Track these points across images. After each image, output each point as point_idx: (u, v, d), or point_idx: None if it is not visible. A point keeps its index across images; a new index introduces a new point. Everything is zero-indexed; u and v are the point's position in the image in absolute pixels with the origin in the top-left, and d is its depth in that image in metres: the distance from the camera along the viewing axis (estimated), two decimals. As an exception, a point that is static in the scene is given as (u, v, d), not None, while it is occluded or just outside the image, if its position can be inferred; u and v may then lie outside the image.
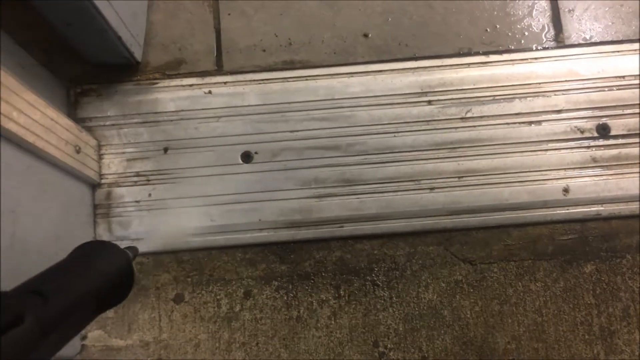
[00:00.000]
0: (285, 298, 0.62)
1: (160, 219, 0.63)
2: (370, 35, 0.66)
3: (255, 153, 0.64)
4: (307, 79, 0.65)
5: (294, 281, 0.62)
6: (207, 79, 0.65)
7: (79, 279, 0.35)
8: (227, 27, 0.67)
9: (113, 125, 0.64)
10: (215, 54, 0.66)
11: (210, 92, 0.65)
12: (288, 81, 0.65)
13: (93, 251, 0.39)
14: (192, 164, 0.63)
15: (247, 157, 0.64)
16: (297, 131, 0.64)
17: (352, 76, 0.65)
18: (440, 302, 0.62)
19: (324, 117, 0.64)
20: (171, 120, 0.64)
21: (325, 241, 0.63)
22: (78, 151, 0.57)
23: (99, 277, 0.37)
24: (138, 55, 0.63)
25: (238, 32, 0.67)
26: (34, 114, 0.46)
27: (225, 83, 0.65)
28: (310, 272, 0.63)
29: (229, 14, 0.67)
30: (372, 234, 0.63)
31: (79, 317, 0.34)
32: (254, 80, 0.65)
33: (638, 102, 0.63)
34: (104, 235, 0.62)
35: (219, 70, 0.66)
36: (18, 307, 0.28)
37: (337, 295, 0.62)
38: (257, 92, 0.65)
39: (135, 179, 0.63)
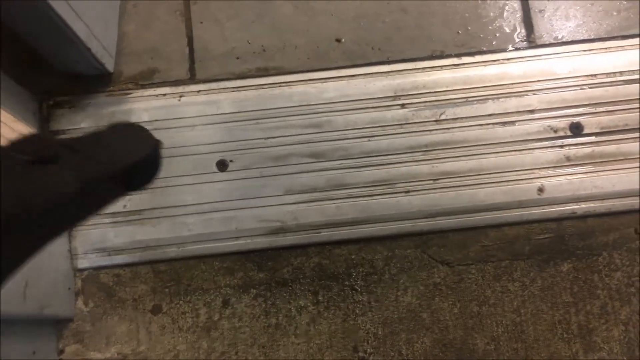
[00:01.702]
0: (263, 306, 0.64)
1: (136, 230, 0.64)
2: (343, 40, 0.68)
3: (231, 161, 0.66)
4: (281, 86, 0.67)
5: (272, 288, 0.64)
6: (181, 88, 0.67)
7: (110, 148, 0.36)
8: (200, 35, 0.69)
9: (87, 136, 0.65)
10: (188, 63, 0.68)
11: (184, 101, 0.66)
12: (262, 88, 0.67)
13: (125, 129, 0.41)
14: (167, 174, 0.65)
15: (222, 166, 0.66)
16: (273, 138, 0.66)
17: (327, 81, 0.67)
18: (419, 305, 0.64)
19: (299, 124, 0.66)
20: (145, 130, 0.65)
21: (303, 247, 0.65)
22: (49, 164, 0.58)
23: (129, 152, 0.38)
24: (110, 65, 0.65)
25: (211, 40, 0.68)
26: (2, 130, 0.48)
27: (199, 91, 0.67)
28: (289, 278, 0.64)
29: (202, 22, 0.69)
30: (349, 238, 0.65)
31: (108, 185, 0.34)
32: (228, 88, 0.67)
33: (610, 100, 0.65)
34: (79, 248, 0.64)
35: (193, 78, 0.67)
36: (51, 150, 0.28)
37: (315, 301, 0.64)
38: (231, 99, 0.67)
39: (110, 190, 0.64)
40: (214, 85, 0.67)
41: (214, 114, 0.66)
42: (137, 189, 0.38)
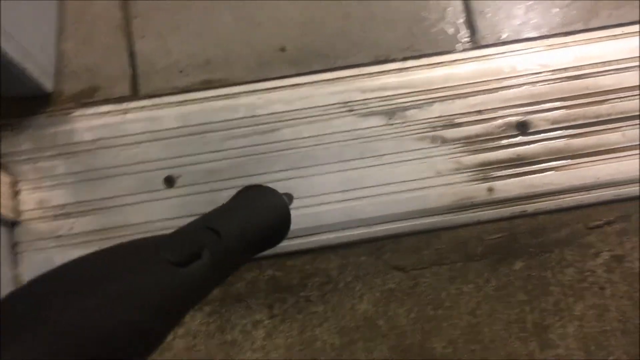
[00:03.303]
0: (218, 322, 0.65)
1: (84, 252, 0.65)
2: (287, 48, 0.70)
3: (179, 177, 0.67)
4: (226, 98, 0.69)
5: (226, 304, 0.65)
6: (124, 105, 0.68)
7: (247, 220, 0.39)
8: (142, 50, 0.70)
9: (28, 159, 0.66)
10: (131, 79, 0.69)
11: (128, 118, 0.67)
12: (207, 101, 0.68)
13: (257, 195, 0.44)
14: (112, 193, 0.66)
15: (170, 182, 0.67)
16: (220, 151, 0.67)
17: (272, 91, 0.69)
18: (376, 312, 0.65)
19: (246, 135, 0.68)
20: (89, 150, 0.67)
21: (256, 261, 0.66)
22: (-14, 191, 0.59)
23: (264, 219, 0.41)
24: (49, 85, 0.66)
25: (153, 54, 0.70)
26: None
27: (142, 107, 0.68)
28: (243, 293, 0.66)
29: (143, 37, 0.70)
30: (302, 249, 0.66)
31: (244, 256, 0.37)
32: (172, 103, 0.68)
33: (555, 97, 0.68)
34: (24, 274, 0.64)
35: (136, 94, 0.69)
36: (197, 242, 0.31)
37: (271, 314, 0.65)
38: (176, 114, 0.68)
39: (55, 213, 0.65)
40: (158, 100, 0.68)
41: (159, 130, 0.67)
42: (269, 249, 0.42)
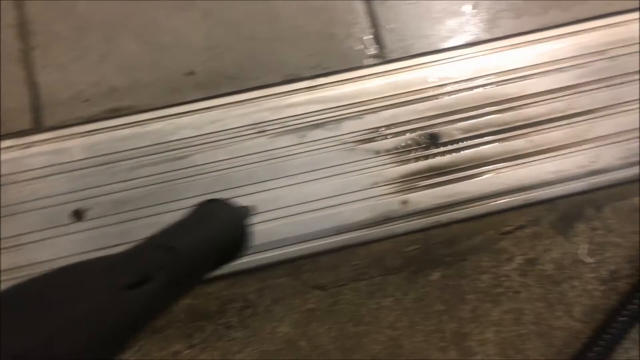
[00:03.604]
0: (136, 356, 0.71)
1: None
2: (195, 72, 0.77)
3: (87, 210, 0.73)
4: (134, 125, 0.75)
5: (144, 337, 0.71)
6: (27, 139, 0.74)
7: (205, 235, 0.41)
8: (44, 81, 0.76)
9: None
10: (33, 111, 0.75)
11: (31, 152, 0.73)
12: (114, 130, 0.75)
13: (215, 208, 0.47)
14: (17, 231, 0.71)
15: (78, 215, 0.73)
16: (129, 180, 0.74)
17: (181, 116, 0.76)
18: (296, 333, 0.73)
19: (156, 162, 0.74)
20: (-10, 188, 0.72)
21: None
22: None
23: (222, 234, 0.44)
24: (-56, 124, 0.71)
25: (56, 85, 0.76)
26: None
27: (46, 140, 0.74)
28: (160, 324, 0.72)
29: (45, 67, 0.76)
30: (219, 275, 0.73)
31: (202, 271, 0.40)
32: (78, 134, 0.75)
33: (462, 107, 0.77)
34: None
35: (39, 127, 0.75)
36: (150, 262, 0.33)
37: (190, 344, 0.71)
38: (82, 145, 0.74)
39: (-44, 255, 0.70)
40: (62, 132, 0.75)
41: (64, 162, 0.73)
42: (228, 263, 0.46)
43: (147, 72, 0.76)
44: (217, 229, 0.45)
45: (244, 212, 0.50)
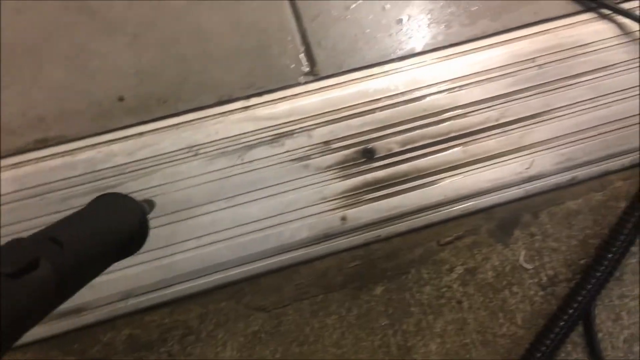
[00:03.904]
0: (75, 392, 0.77)
1: None
2: (126, 97, 0.85)
3: (18, 243, 0.79)
4: (64, 155, 0.82)
5: (82, 372, 0.78)
6: (-48, 174, 0.80)
7: (96, 227, 0.44)
8: (-32, 114, 0.83)
9: None
10: (-43, 146, 0.81)
11: (-44, 187, 0.80)
12: (43, 160, 0.82)
13: (110, 202, 0.50)
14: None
15: (8, 250, 0.79)
16: (61, 212, 0.81)
17: (113, 143, 0.83)
18: (240, 357, 0.80)
19: (88, 192, 0.81)
20: None
21: (111, 321, 0.80)
22: None
23: (116, 227, 0.47)
24: None
25: (-19, 117, 0.82)
26: None
27: (-28, 175, 0.80)
28: (100, 358, 0.79)
29: (-32, 100, 0.83)
30: (159, 302, 0.80)
31: (95, 266, 0.43)
32: (5, 166, 0.81)
33: (396, 121, 0.87)
34: None
35: (-36, 162, 0.81)
36: (33, 252, 0.35)
37: (131, 376, 0.78)
38: (10, 178, 0.81)
39: None
40: (-11, 165, 0.81)
41: (-8, 197, 0.80)
42: (125, 257, 0.49)
43: (75, 99, 0.84)
44: (108, 222, 0.48)
45: (141, 206, 0.54)
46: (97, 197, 0.52)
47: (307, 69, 0.87)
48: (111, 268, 0.78)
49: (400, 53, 0.88)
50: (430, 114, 0.86)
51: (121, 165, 0.82)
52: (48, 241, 0.40)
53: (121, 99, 0.83)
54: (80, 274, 0.42)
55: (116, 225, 0.49)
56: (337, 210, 0.83)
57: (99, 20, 0.86)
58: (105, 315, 0.78)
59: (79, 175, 0.81)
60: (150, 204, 0.55)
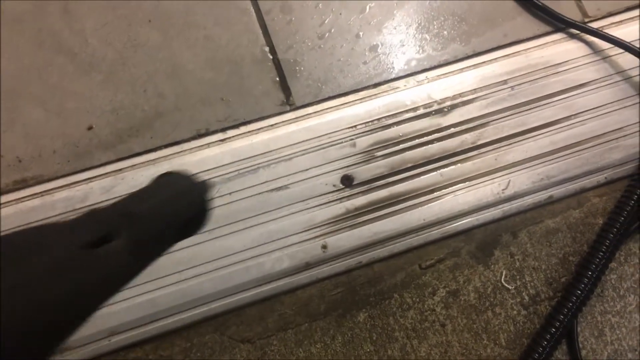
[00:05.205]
0: None
1: None
2: (102, 135, 0.93)
3: (-1, 285, 0.86)
4: (42, 195, 0.90)
5: (67, 412, 0.84)
6: None
7: (163, 202, 0.47)
8: (-55, 157, 0.90)
9: None
10: None
11: None
12: (21, 202, 0.89)
13: (173, 179, 0.53)
14: None
15: (-11, 293, 0.86)
16: (41, 251, 0.88)
17: (91, 181, 0.91)
18: (226, 390, 0.87)
19: (68, 231, 0.89)
20: None
21: (95, 359, 0.86)
22: None
23: (180, 203, 0.50)
24: None
25: (-42, 160, 0.90)
26: None
27: (-49, 219, 0.87)
28: (84, 397, 0.85)
29: (-55, 144, 0.90)
30: (143, 339, 0.87)
31: (163, 242, 0.45)
32: (-16, 209, 0.88)
33: (372, 148, 0.95)
34: None
35: (-58, 206, 0.88)
36: (110, 224, 0.37)
37: (116, 414, 0.85)
38: (-11, 220, 0.88)
39: None
40: (-33, 208, 0.88)
41: (-28, 240, 0.87)
42: (188, 236, 0.52)
43: (53, 139, 0.92)
44: (176, 198, 0.51)
45: (202, 186, 0.57)
46: (160, 175, 0.56)
47: (283, 99, 0.95)
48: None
49: (375, 80, 0.97)
50: (406, 139, 0.95)
51: (99, 202, 0.89)
52: (121, 214, 0.42)
53: (98, 136, 0.91)
54: (152, 249, 0.44)
55: (181, 202, 0.52)
56: (318, 239, 0.91)
57: (74, 59, 0.94)
58: (89, 354, 0.84)
59: (58, 215, 0.88)
60: (208, 184, 0.61)
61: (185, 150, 0.92)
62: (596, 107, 0.97)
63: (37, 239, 0.33)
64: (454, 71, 0.98)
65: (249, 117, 0.93)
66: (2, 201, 0.87)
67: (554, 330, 0.87)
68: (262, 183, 0.91)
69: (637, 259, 0.92)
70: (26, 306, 0.28)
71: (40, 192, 0.88)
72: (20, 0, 0.95)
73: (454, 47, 0.98)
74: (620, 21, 1.03)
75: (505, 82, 0.98)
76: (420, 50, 0.98)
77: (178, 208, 0.51)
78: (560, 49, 1.00)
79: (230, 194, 0.90)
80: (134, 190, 0.88)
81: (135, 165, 0.90)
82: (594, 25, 1.01)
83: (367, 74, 0.96)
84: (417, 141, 0.94)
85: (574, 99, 0.97)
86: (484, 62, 0.99)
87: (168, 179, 0.56)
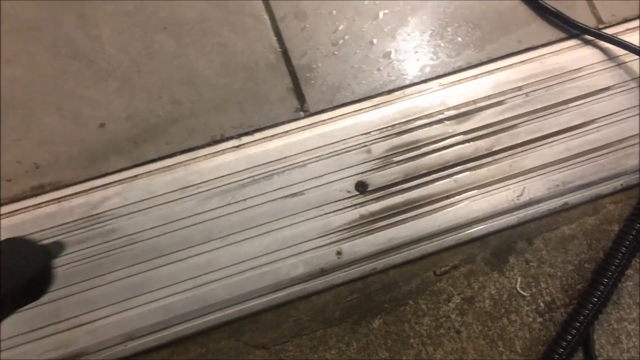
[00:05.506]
0: None
1: None
2: (118, 141, 0.95)
3: (16, 291, 0.88)
4: (59, 201, 0.92)
5: (83, 417, 0.86)
6: (-51, 224, 0.90)
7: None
8: (-37, 164, 0.92)
9: None
10: (-47, 196, 0.91)
11: (-46, 237, 0.89)
12: (39, 207, 0.91)
13: (12, 246, 0.54)
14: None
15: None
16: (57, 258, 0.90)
17: (108, 187, 0.93)
18: (241, 396, 0.88)
19: (84, 238, 0.91)
20: None
21: None
22: None
23: (16, 274, 0.51)
24: None
25: (-24, 167, 0.92)
26: None
27: (-31, 224, 0.90)
28: (100, 402, 0.87)
29: (-37, 150, 0.93)
30: (159, 344, 0.89)
31: None
32: (3, 214, 0.91)
33: (387, 154, 0.97)
34: None
35: (-39, 212, 0.90)
36: None
37: (132, 419, 0.86)
38: (7, 227, 0.90)
39: None
40: (-15, 214, 0.90)
41: (-10, 245, 0.89)
42: (26, 304, 0.54)
43: (69, 145, 0.94)
44: (10, 269, 0.53)
45: (45, 249, 0.59)
46: (2, 241, 0.57)
47: (297, 106, 0.97)
48: (110, 311, 0.87)
49: (389, 86, 0.99)
50: (421, 145, 0.96)
51: (117, 208, 0.91)
52: None
53: (114, 143, 0.94)
54: None
55: (16, 271, 0.53)
56: (333, 245, 0.92)
57: (90, 66, 0.97)
58: (106, 358, 0.86)
59: (75, 221, 0.90)
60: (59, 245, 0.63)
61: (200, 157, 0.94)
62: (612, 114, 0.99)
63: None
64: (468, 77, 0.99)
65: (264, 123, 0.95)
66: (21, 207, 0.89)
67: (570, 337, 0.88)
68: (276, 189, 0.93)
69: (653, 266, 0.93)
70: None
71: (57, 198, 0.90)
72: (37, 8, 0.98)
73: (468, 54, 1.00)
74: (635, 27, 1.04)
75: (519, 88, 0.99)
76: (434, 57, 1.00)
77: (10, 279, 0.52)
78: (575, 55, 1.01)
79: (245, 200, 0.92)
80: (149, 197, 0.91)
81: (150, 171, 0.93)
82: (609, 31, 1.02)
83: (381, 81, 0.98)
84: (431, 147, 0.96)
85: (589, 105, 0.99)
86: (498, 68, 1.00)
87: (6, 243, 0.57)
